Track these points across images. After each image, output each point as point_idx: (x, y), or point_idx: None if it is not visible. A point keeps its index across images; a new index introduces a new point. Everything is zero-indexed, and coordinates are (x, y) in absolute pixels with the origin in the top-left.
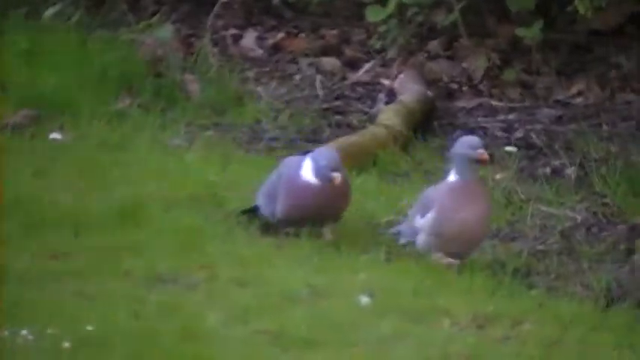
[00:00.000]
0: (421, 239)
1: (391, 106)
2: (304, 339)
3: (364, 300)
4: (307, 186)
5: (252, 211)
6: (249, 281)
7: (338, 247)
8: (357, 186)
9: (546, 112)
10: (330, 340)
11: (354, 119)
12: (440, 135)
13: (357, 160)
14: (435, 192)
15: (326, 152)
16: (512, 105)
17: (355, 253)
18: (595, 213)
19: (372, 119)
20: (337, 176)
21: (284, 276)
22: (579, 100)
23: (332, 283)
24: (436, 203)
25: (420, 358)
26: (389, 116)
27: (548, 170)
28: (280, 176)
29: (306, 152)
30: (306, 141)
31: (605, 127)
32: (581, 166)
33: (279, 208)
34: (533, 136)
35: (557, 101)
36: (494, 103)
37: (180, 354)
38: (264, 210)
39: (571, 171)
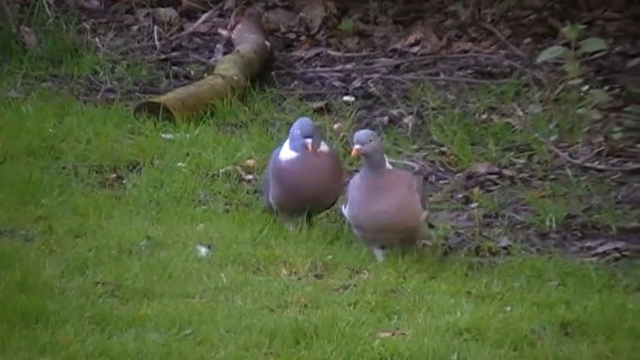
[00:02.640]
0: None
1: (229, 57)
2: (142, 290)
3: (203, 250)
4: (285, 162)
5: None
6: (87, 233)
7: (176, 198)
8: (194, 137)
9: (384, 62)
10: (169, 291)
11: (191, 70)
12: (278, 85)
13: (195, 111)
14: (351, 182)
15: (299, 121)
16: (349, 54)
17: (194, 204)
18: (433, 162)
19: (209, 70)
20: (309, 142)
21: (122, 227)
22: (416, 49)
23: (170, 234)
24: (349, 195)
25: (258, 307)
26: (226, 67)
27: (385, 119)
28: (268, 168)
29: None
30: (144, 92)
31: (442, 75)
32: (418, 115)
33: (271, 196)
34: (371, 85)
35: (395, 50)
36: (331, 52)
37: (17, 306)
38: (264, 201)
39: (408, 120)
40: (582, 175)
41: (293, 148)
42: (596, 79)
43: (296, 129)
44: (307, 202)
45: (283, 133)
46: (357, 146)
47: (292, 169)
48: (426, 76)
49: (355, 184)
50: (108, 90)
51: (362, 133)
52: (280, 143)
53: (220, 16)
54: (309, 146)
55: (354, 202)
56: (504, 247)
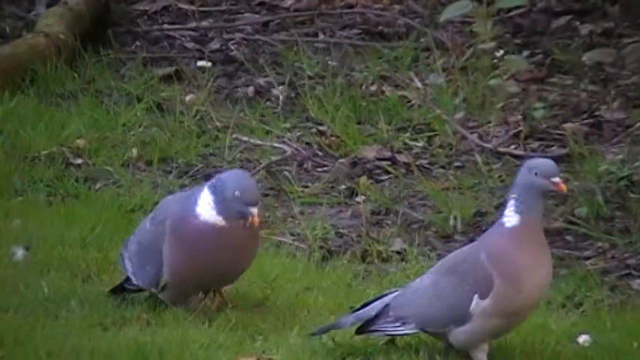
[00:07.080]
0: (471, 329)
1: (53, 10)
2: None
3: (19, 253)
4: (206, 226)
5: (123, 288)
6: None
7: None
8: (9, 110)
9: (248, 18)
10: None
11: (6, 26)
12: (115, 46)
13: (11, 78)
14: (493, 255)
15: (236, 178)
16: (205, 9)
17: (7, 194)
18: (309, 144)
19: (29, 26)
20: (255, 214)
21: None
22: (290, 2)
23: None
24: (501, 273)
25: (88, 324)
26: (51, 22)
27: (250, 90)
28: (162, 220)
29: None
30: None
31: (321, 36)
32: (291, 85)
33: (167, 268)
34: (233, 47)
35: (262, 4)
36: (183, 6)
37: None
38: (138, 278)
39: (279, 91)
40: (495, 162)
41: (221, 213)
42: (513, 43)
43: (231, 188)
44: (218, 278)
45: (121, 106)
46: (557, 179)
47: (215, 240)
48: (302, 37)
49: (515, 249)
50: None
51: (551, 163)
52: (186, 191)
53: None
54: (256, 220)
55: (515, 276)
56: (397, 252)
